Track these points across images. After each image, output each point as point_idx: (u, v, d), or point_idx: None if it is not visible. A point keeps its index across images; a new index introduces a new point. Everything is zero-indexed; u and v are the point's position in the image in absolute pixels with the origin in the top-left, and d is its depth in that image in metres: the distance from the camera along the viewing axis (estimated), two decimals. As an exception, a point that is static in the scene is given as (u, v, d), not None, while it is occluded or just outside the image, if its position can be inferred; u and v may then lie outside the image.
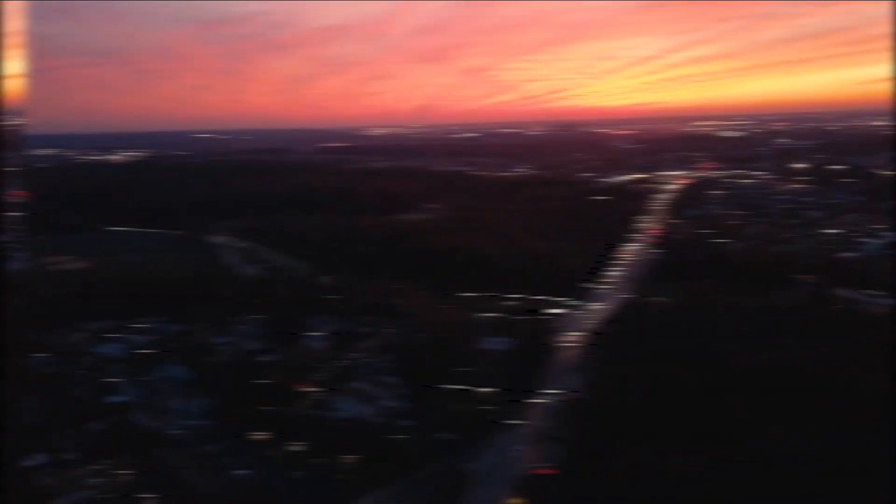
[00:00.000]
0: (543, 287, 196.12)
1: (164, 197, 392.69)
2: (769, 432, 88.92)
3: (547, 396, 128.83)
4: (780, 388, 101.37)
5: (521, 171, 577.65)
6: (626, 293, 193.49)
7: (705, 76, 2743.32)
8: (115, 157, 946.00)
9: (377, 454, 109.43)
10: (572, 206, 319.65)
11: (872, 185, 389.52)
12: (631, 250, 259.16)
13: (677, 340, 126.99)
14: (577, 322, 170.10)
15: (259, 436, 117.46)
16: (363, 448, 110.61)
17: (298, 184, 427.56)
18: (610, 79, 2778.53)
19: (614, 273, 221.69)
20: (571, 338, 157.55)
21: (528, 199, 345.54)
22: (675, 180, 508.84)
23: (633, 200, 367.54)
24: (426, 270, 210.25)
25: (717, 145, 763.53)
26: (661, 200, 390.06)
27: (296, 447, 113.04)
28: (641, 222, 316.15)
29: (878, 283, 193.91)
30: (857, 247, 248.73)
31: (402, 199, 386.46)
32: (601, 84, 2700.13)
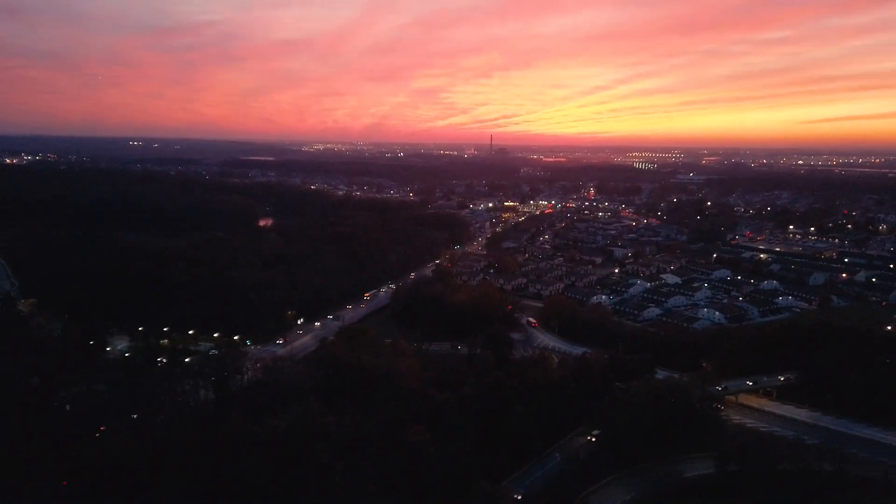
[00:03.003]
0: (241, 323, 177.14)
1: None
2: None
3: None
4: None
5: (392, 193, 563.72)
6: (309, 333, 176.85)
7: (652, 109, 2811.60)
8: (9, 161, 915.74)
9: None
10: (387, 234, 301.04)
11: (708, 225, 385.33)
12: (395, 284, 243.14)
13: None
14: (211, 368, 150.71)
15: None
16: None
17: (134, 195, 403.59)
18: (560, 106, 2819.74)
19: (341, 309, 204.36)
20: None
21: (350, 223, 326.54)
22: (542, 209, 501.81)
23: (460, 229, 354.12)
24: (128, 296, 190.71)
25: (619, 176, 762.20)
26: (497, 230, 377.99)
27: None
28: (445, 252, 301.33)
29: (579, 332, 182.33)
30: (621, 290, 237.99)
31: (224, 216, 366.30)
32: (552, 111, 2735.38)
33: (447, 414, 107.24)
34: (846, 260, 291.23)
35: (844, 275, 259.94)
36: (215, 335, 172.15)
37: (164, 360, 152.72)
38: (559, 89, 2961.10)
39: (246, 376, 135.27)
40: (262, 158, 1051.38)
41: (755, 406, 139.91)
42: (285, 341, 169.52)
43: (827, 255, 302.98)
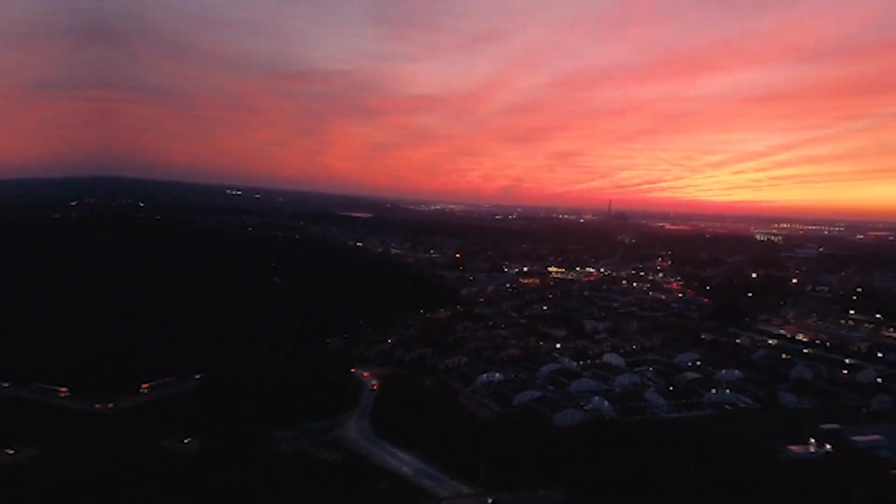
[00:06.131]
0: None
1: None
2: None
3: None
4: None
5: (432, 252, 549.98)
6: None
7: (821, 177, 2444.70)
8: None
9: None
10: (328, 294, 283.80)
11: (738, 303, 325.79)
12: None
13: None
14: None
15: None
16: None
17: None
18: (711, 173, 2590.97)
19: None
20: None
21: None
22: (583, 276, 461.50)
23: (443, 293, 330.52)
24: None
25: (723, 248, 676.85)
26: (482, 297, 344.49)
27: None
28: (404, 317, 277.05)
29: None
30: (535, 367, 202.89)
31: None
32: (701, 178, 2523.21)
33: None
34: (878, 354, 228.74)
35: (846, 371, 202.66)
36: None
37: None
38: (710, 154, 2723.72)
39: None
40: (357, 214, 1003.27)
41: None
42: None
43: (859, 346, 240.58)
